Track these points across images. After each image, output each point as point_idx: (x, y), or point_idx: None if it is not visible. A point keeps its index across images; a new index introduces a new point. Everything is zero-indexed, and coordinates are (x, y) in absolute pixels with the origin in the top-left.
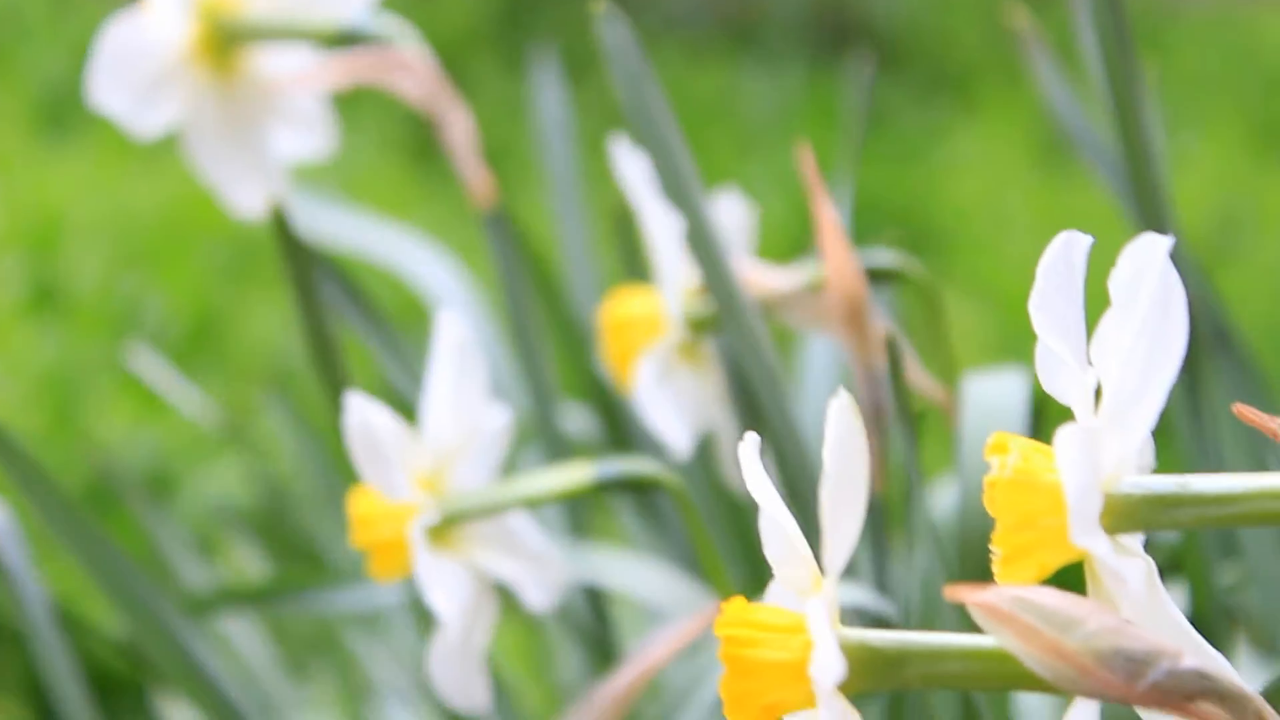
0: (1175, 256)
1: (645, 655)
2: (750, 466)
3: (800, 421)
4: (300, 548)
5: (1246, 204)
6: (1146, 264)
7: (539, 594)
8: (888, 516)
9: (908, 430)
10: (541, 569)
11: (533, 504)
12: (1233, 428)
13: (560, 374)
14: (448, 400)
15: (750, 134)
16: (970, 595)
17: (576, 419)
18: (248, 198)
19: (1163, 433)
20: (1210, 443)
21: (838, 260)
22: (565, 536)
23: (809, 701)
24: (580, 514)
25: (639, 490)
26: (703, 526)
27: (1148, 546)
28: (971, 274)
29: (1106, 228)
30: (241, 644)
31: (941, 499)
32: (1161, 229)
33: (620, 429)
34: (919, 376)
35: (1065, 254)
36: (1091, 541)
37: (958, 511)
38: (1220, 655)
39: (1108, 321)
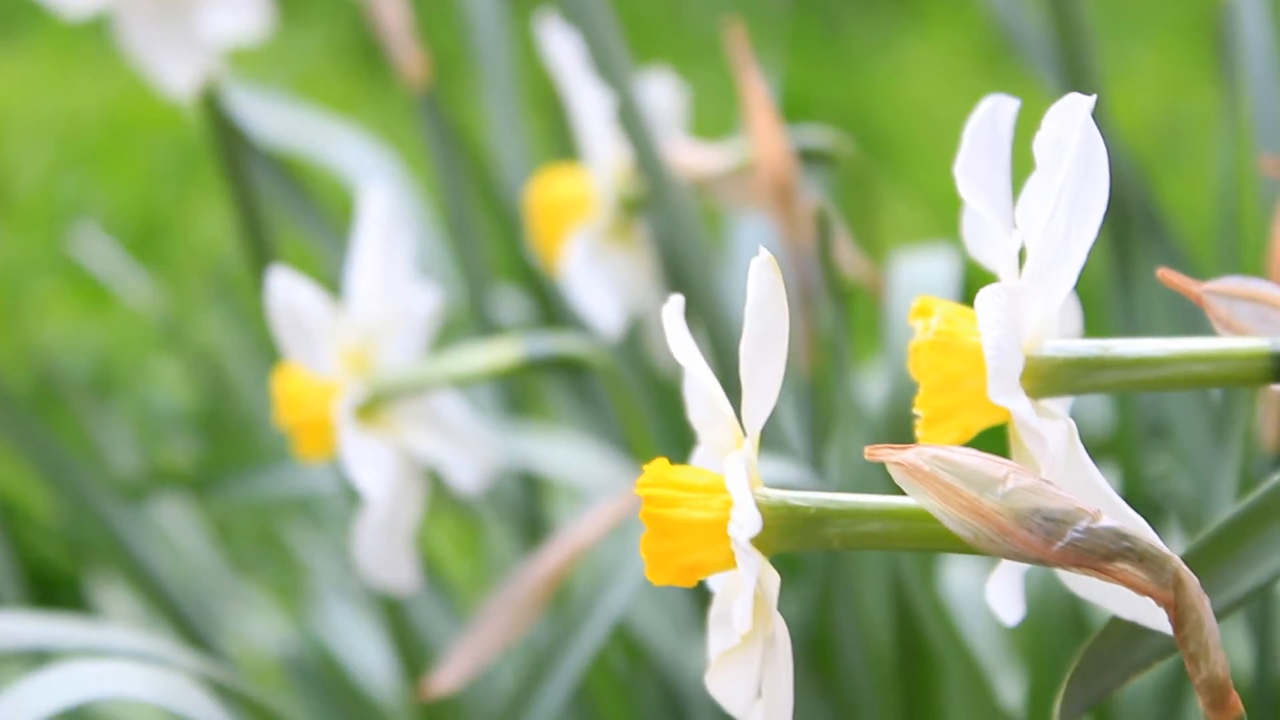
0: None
1: (574, 534)
2: (674, 329)
3: (731, 301)
4: (241, 446)
5: (1193, 112)
6: (1068, 125)
7: (468, 475)
8: (820, 396)
9: (835, 307)
10: (470, 450)
11: (460, 382)
12: (1165, 310)
13: (495, 259)
14: (373, 276)
15: (696, 46)
16: (890, 455)
17: (511, 304)
18: (179, 78)
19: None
20: (1142, 325)
21: (767, 139)
22: (497, 418)
23: (730, 561)
24: (512, 396)
25: (567, 369)
26: (631, 405)
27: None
28: (918, 179)
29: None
30: (183, 540)
31: (876, 379)
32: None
33: (555, 314)
34: (849, 255)
35: (991, 118)
36: (1010, 400)
37: (888, 389)
38: (1140, 518)
39: (1031, 184)
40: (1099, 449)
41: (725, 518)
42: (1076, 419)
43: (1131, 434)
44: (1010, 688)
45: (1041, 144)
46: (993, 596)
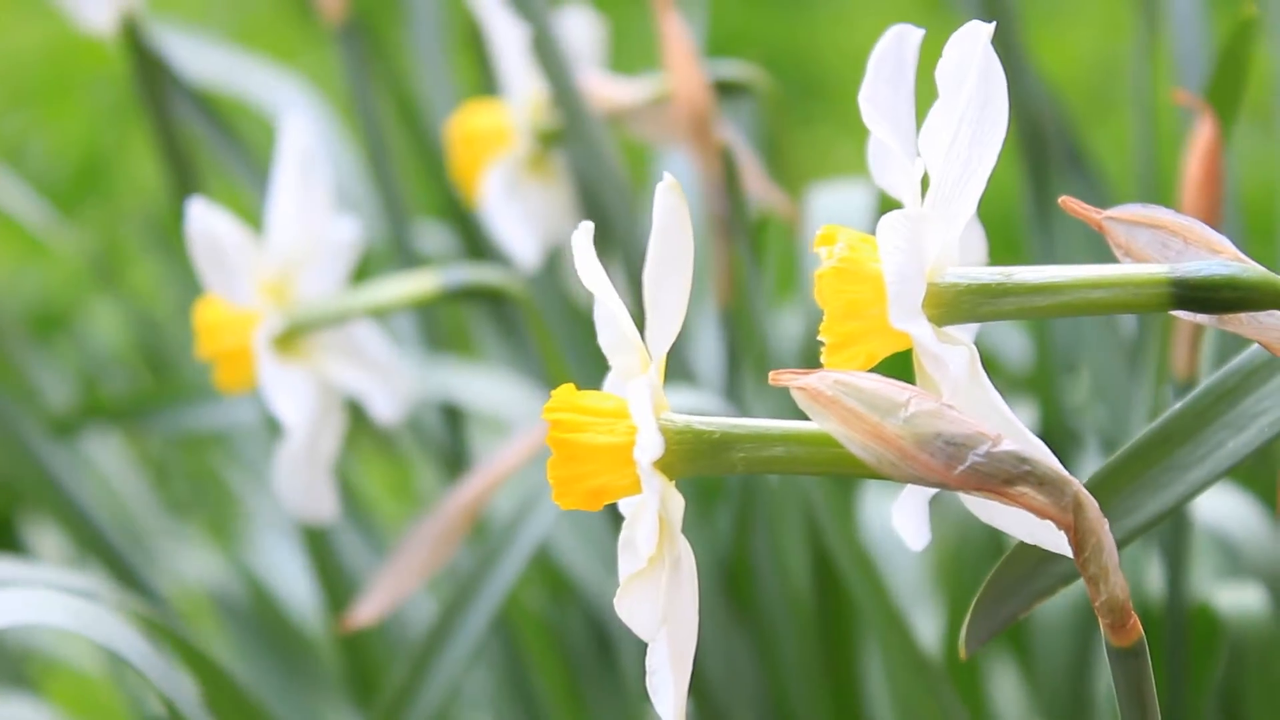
0: (1032, 85)
1: (492, 465)
2: (582, 256)
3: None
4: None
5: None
6: (969, 52)
7: (387, 405)
8: (737, 327)
9: (746, 238)
10: (389, 380)
11: (379, 312)
12: (1085, 244)
13: (422, 194)
14: (291, 207)
15: None
16: (792, 379)
17: (438, 238)
18: (98, 13)
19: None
20: (1061, 259)
21: (683, 72)
22: (420, 352)
23: (636, 486)
24: (437, 332)
25: (486, 300)
26: (548, 336)
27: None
28: (860, 121)
29: None
30: (119, 479)
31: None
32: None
33: (480, 248)
34: (763, 187)
35: (896, 46)
36: (911, 326)
37: (804, 320)
38: (1040, 442)
39: (934, 111)
40: (1018, 382)
41: (630, 442)
42: (996, 353)
43: (1049, 366)
44: (933, 618)
45: (943, 72)
46: (898, 521)
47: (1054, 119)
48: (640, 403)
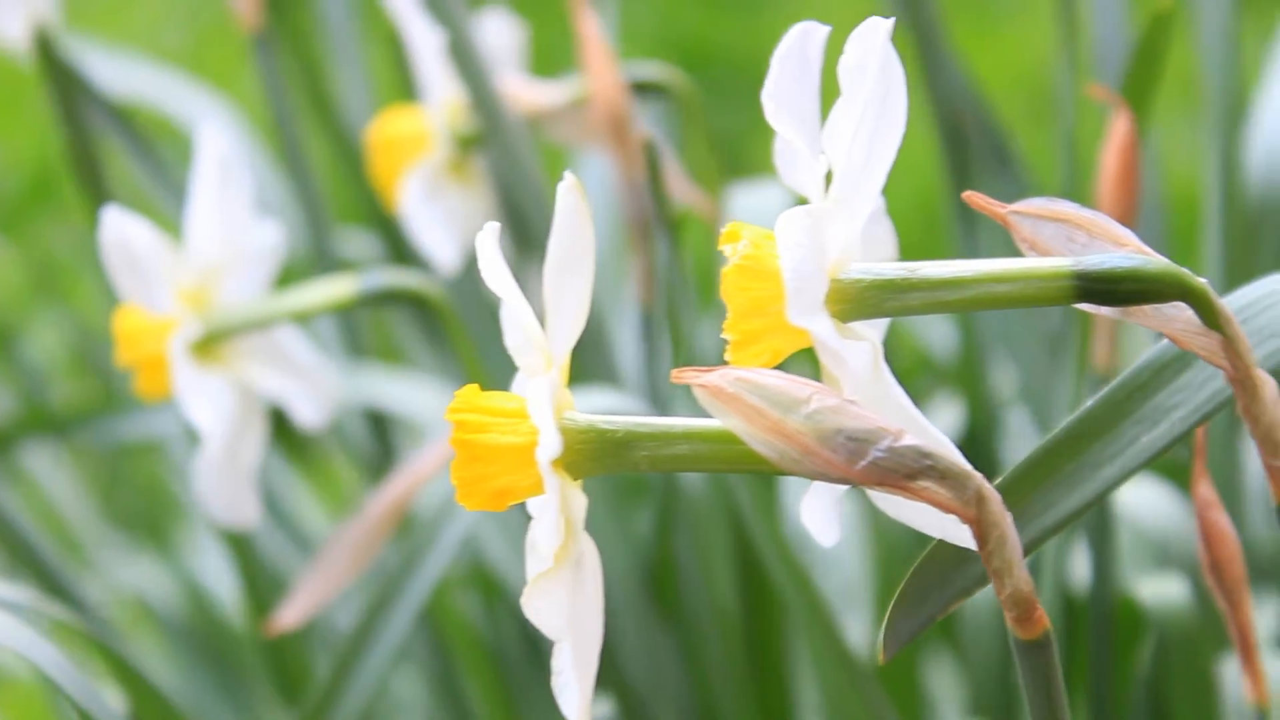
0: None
1: (412, 468)
2: (487, 257)
3: None
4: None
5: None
6: (869, 49)
7: (310, 410)
8: (659, 327)
9: (665, 238)
10: (312, 385)
11: (298, 318)
12: (1007, 242)
13: (346, 200)
14: (210, 214)
15: None
16: (694, 377)
17: (363, 244)
18: (8, 23)
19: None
20: (985, 255)
21: (600, 73)
22: (344, 359)
23: (539, 486)
24: (361, 339)
25: (404, 303)
26: (465, 339)
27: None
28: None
29: None
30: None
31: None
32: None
33: (405, 253)
34: (683, 187)
35: (801, 45)
36: (808, 322)
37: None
38: (944, 437)
39: (837, 108)
40: (944, 376)
41: (533, 442)
42: (925, 348)
43: (975, 360)
44: (873, 617)
45: (845, 68)
46: (807, 518)
47: (979, 116)
48: (539, 403)
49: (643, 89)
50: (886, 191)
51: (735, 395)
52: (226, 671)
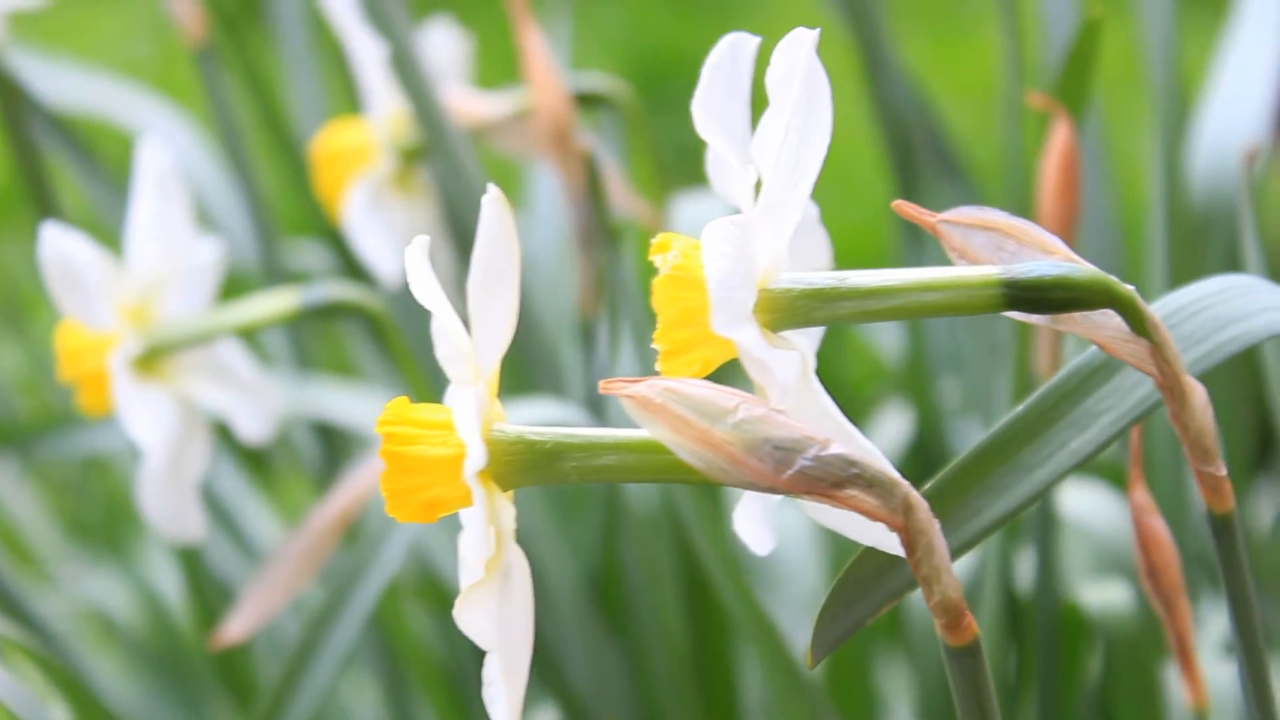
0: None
1: (356, 480)
2: (415, 270)
3: (530, 247)
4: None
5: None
6: (794, 60)
7: (253, 424)
8: (602, 338)
9: (606, 248)
10: (255, 399)
11: (239, 332)
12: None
13: (298, 213)
14: (150, 229)
15: None
16: (622, 388)
17: (312, 256)
18: None
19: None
20: (929, 261)
21: (543, 85)
22: (292, 370)
23: (469, 497)
24: (307, 348)
25: (343, 316)
26: (406, 351)
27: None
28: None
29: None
30: (20, 510)
31: None
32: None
33: (355, 265)
34: (625, 198)
35: (731, 55)
36: (732, 331)
37: None
38: (872, 445)
39: (764, 118)
40: (894, 384)
41: (461, 454)
42: (879, 356)
43: (923, 369)
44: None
45: (772, 79)
46: (740, 527)
47: (927, 126)
48: (463, 415)
49: (586, 100)
50: (838, 210)
51: (662, 405)
52: (183, 683)
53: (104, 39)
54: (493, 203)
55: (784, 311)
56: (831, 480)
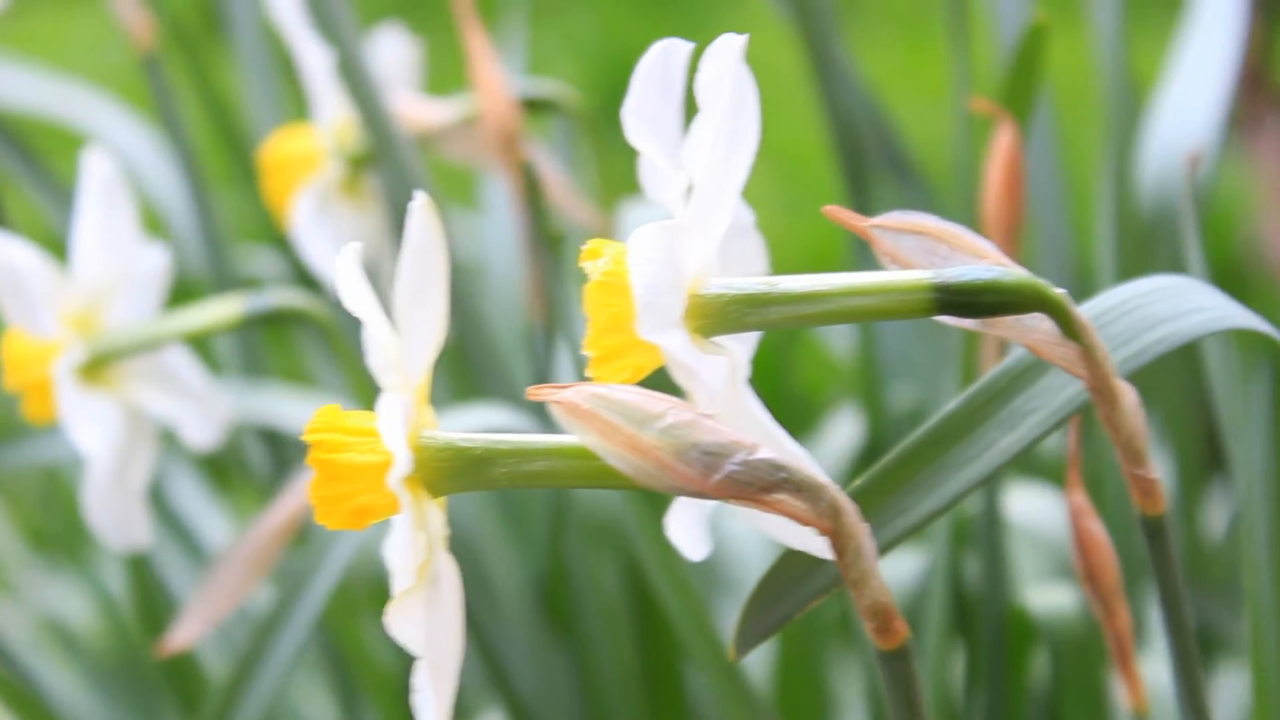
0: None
1: (304, 485)
2: (345, 278)
3: (484, 251)
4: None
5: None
6: (723, 66)
7: (200, 431)
8: (548, 343)
9: (549, 254)
10: (203, 406)
11: (184, 339)
12: None
13: (256, 220)
14: (95, 236)
15: (544, 2)
16: (550, 394)
17: (267, 263)
18: None
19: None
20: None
21: (491, 91)
22: (242, 377)
23: (397, 505)
24: (257, 354)
25: (289, 323)
26: (352, 357)
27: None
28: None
29: (892, 85)
30: None
31: None
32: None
33: (307, 272)
34: (573, 204)
35: (663, 61)
36: (658, 336)
37: None
38: (801, 450)
39: (695, 124)
40: (846, 388)
41: (389, 461)
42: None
43: (873, 374)
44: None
45: (702, 85)
46: (674, 532)
47: (879, 131)
48: (388, 422)
49: (535, 106)
50: (797, 213)
51: (591, 411)
52: (139, 690)
53: (76, 45)
54: (420, 210)
55: (715, 317)
56: (759, 485)
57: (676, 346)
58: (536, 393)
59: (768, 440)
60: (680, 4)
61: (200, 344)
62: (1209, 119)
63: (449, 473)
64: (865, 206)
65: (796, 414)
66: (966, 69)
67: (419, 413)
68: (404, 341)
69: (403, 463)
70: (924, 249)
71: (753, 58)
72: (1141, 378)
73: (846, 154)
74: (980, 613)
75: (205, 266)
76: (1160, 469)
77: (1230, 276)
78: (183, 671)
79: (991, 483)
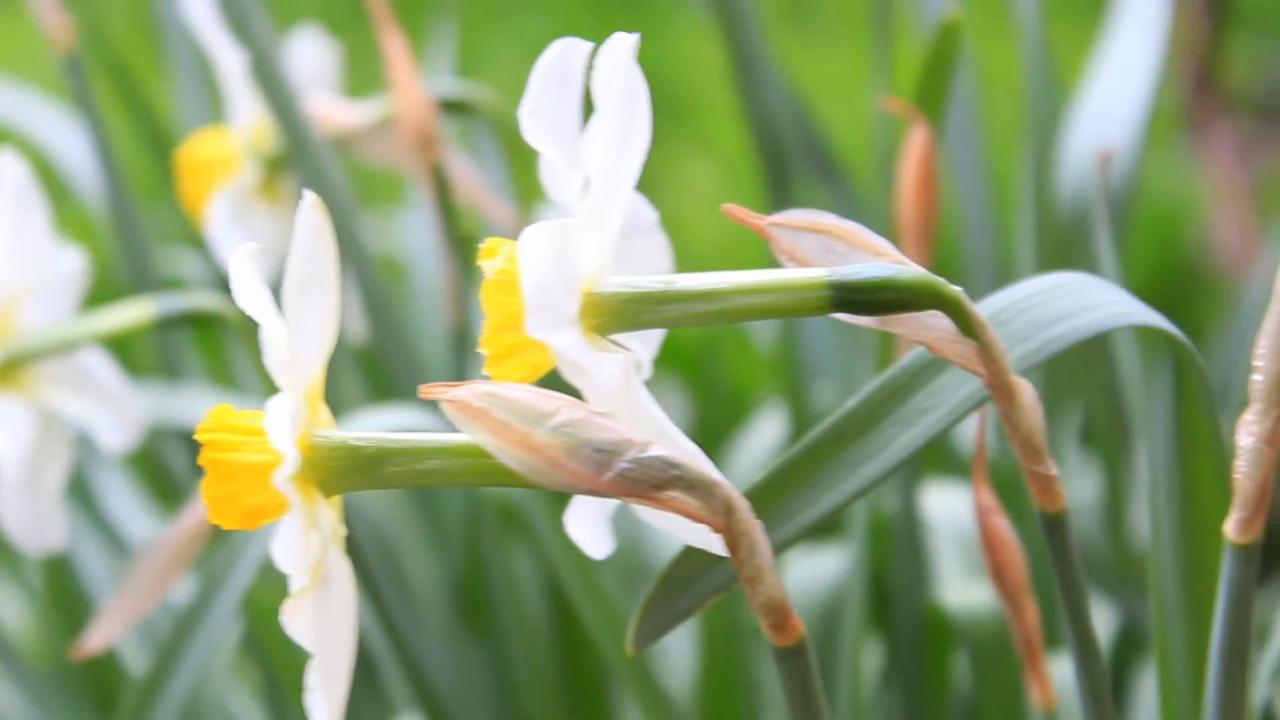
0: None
1: None
2: (240, 278)
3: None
4: None
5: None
6: (615, 65)
7: (115, 434)
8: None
9: (459, 254)
10: (118, 409)
11: (96, 342)
12: None
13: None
14: (6, 241)
15: (506, 6)
16: (441, 392)
17: (192, 265)
18: None
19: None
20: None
21: (407, 92)
22: (165, 379)
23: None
24: (180, 357)
25: (204, 325)
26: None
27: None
28: (713, 137)
29: (844, 86)
30: None
31: None
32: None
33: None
34: (490, 205)
35: (561, 60)
36: (547, 334)
37: None
38: (695, 447)
39: (590, 124)
40: (772, 389)
41: (280, 460)
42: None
43: (797, 371)
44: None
45: (596, 84)
46: (573, 530)
47: (804, 130)
48: (275, 420)
49: (452, 108)
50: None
51: (482, 409)
52: (66, 692)
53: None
54: (308, 209)
55: (611, 315)
56: (652, 482)
57: (565, 344)
58: (428, 391)
59: (662, 438)
60: (635, 6)
61: (124, 346)
62: (1131, 119)
63: (342, 472)
64: (788, 206)
65: (728, 411)
66: (887, 68)
67: (311, 412)
68: (293, 342)
69: (289, 462)
70: (822, 247)
71: (700, 59)
72: (1067, 377)
73: (768, 154)
74: (898, 611)
75: (128, 269)
76: (1089, 469)
77: (1181, 278)
78: (105, 671)
79: (909, 480)
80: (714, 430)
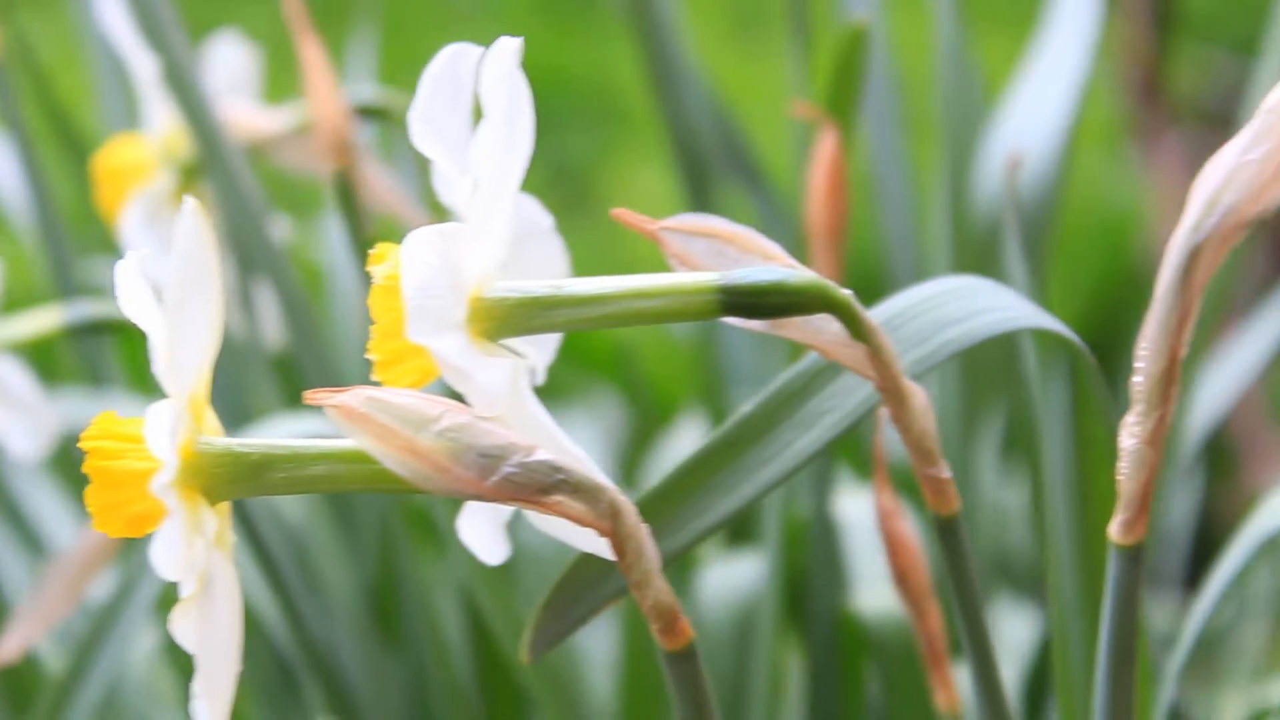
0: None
1: None
2: (125, 286)
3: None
4: None
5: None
6: (499, 70)
7: (25, 442)
8: None
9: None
10: (29, 416)
11: (9, 349)
12: None
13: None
14: None
15: (456, 14)
16: (325, 398)
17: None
18: None
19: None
20: None
21: (323, 99)
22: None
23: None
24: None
25: (113, 333)
26: None
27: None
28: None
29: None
30: None
31: None
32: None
33: None
34: (405, 211)
35: (451, 66)
36: (428, 340)
37: None
38: (580, 450)
39: (478, 129)
40: (696, 398)
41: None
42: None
43: (715, 378)
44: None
45: (482, 89)
46: (466, 536)
47: (725, 134)
48: (153, 427)
49: (366, 113)
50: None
51: (366, 415)
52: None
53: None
54: (189, 215)
55: (499, 320)
56: (537, 486)
57: (446, 350)
58: (313, 397)
59: (548, 442)
60: (587, 14)
61: (45, 354)
62: (1054, 127)
63: (227, 478)
64: (706, 212)
65: (656, 415)
66: (804, 73)
67: (195, 418)
68: (175, 349)
69: (168, 469)
70: (713, 251)
71: None
72: (989, 382)
73: (687, 160)
74: (814, 617)
75: (54, 279)
76: (1015, 474)
77: (1129, 287)
78: (23, 671)
79: (821, 485)
80: (644, 434)
